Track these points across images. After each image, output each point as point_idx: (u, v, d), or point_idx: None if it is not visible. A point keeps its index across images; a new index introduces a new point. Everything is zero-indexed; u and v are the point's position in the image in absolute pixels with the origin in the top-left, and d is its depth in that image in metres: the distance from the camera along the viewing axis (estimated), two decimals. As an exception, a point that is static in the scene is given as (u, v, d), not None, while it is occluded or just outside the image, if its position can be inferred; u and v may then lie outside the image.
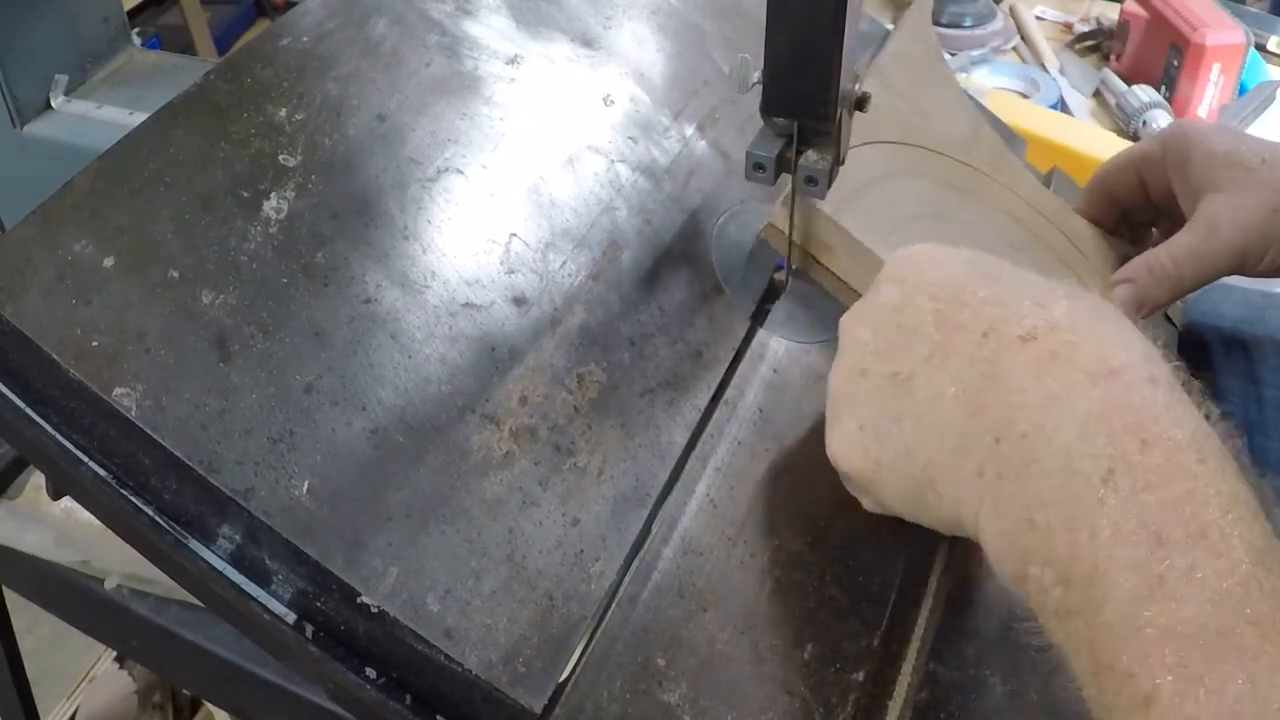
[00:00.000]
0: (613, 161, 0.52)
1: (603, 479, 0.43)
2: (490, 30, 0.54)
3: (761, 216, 0.54)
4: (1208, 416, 0.34)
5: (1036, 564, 0.34)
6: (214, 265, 0.40)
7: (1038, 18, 1.44)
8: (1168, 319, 0.65)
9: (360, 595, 0.36)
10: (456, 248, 0.45)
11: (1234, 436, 0.34)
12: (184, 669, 0.67)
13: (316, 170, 0.44)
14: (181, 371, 0.38)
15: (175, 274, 0.40)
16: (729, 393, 0.48)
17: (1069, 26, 1.42)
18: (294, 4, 0.51)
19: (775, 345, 0.51)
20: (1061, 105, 1.25)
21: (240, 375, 0.39)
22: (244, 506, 0.37)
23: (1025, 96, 1.26)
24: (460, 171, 0.48)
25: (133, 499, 0.39)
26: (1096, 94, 1.29)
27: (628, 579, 0.41)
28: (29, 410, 0.39)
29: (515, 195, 0.48)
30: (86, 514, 0.42)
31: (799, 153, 0.47)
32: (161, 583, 0.62)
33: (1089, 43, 1.39)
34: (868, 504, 0.42)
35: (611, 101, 0.55)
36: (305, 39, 0.48)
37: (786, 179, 0.49)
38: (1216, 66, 1.18)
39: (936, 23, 1.40)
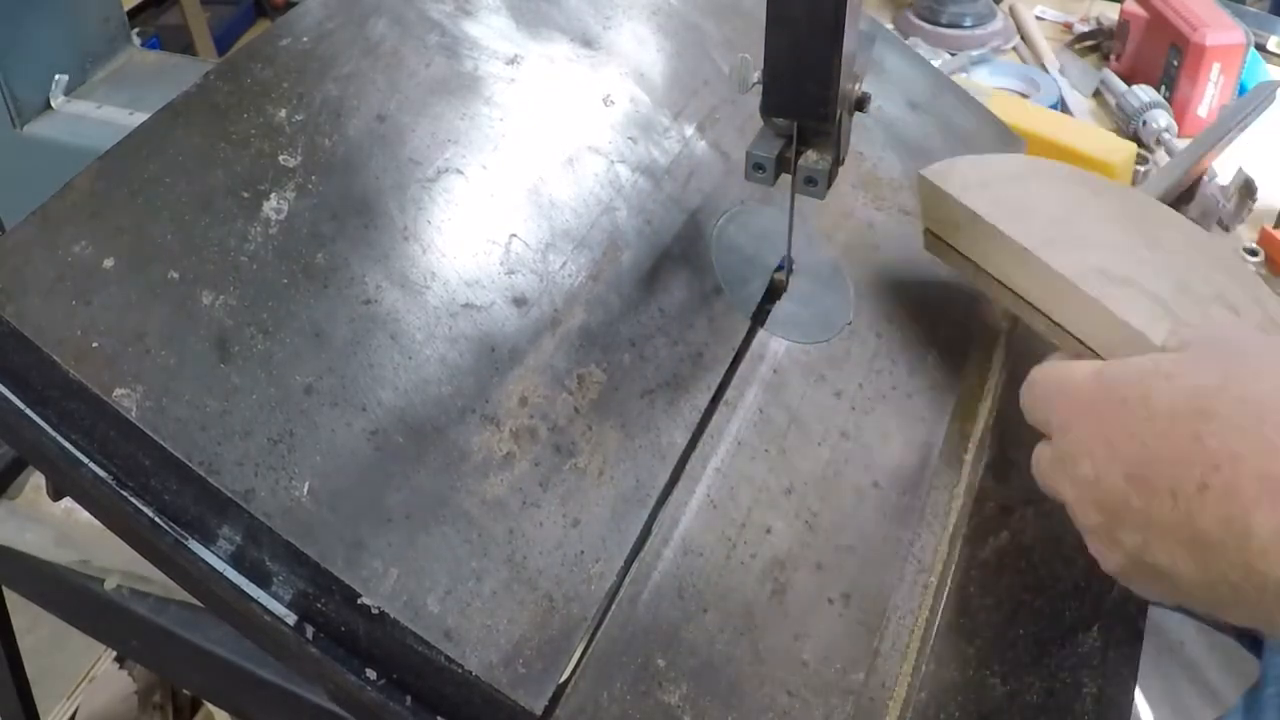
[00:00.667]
0: (613, 162, 0.52)
1: (603, 480, 0.43)
2: (490, 30, 0.54)
3: (762, 216, 0.54)
4: None
5: None
6: (214, 266, 0.40)
7: (1038, 18, 1.44)
8: None
9: (361, 596, 0.36)
10: (456, 248, 0.45)
11: None
12: (184, 669, 0.67)
13: (316, 171, 0.44)
14: (181, 372, 0.38)
15: (175, 275, 0.40)
16: (729, 393, 0.48)
17: (1069, 26, 1.42)
18: (294, 4, 0.51)
19: (775, 345, 0.51)
20: (1061, 105, 1.25)
21: (240, 376, 0.39)
22: (244, 507, 0.37)
23: (1025, 96, 1.26)
24: (460, 172, 0.48)
25: (132, 500, 0.39)
26: (1096, 94, 1.29)
27: (628, 580, 0.41)
28: (29, 411, 0.39)
29: (515, 196, 0.48)
30: (86, 514, 0.42)
31: (799, 153, 0.47)
32: (161, 583, 0.62)
33: (1089, 43, 1.39)
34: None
35: (611, 102, 0.55)
36: (305, 39, 0.48)
37: (786, 179, 0.49)
38: (1216, 66, 1.18)
39: (936, 22, 1.40)
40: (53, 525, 0.66)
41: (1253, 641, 0.65)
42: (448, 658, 0.36)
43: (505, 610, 0.38)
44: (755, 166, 0.47)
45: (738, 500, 0.44)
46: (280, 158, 0.44)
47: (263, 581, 0.39)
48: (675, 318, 0.49)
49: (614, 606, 0.40)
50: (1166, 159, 1.15)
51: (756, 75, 0.46)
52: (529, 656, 0.37)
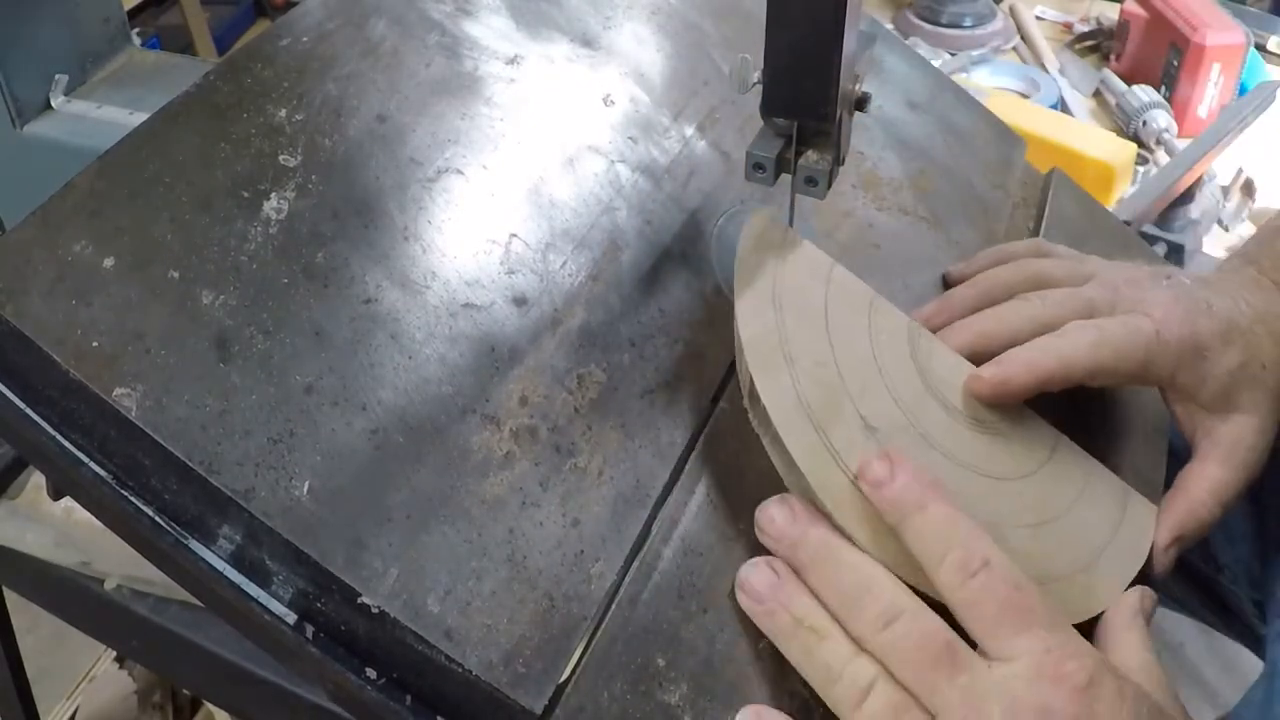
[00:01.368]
0: (613, 162, 0.52)
1: (603, 479, 0.43)
2: (490, 30, 0.54)
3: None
4: None
5: None
6: (214, 266, 0.40)
7: (1038, 18, 1.44)
8: None
9: (361, 596, 0.36)
10: (457, 248, 0.45)
11: None
12: (184, 669, 0.67)
13: (316, 170, 0.44)
14: (182, 372, 0.38)
15: (175, 274, 0.40)
16: (729, 393, 0.48)
17: (1069, 26, 1.42)
18: (294, 4, 0.51)
19: (775, 345, 0.51)
20: (1061, 105, 1.25)
21: (240, 376, 0.39)
22: (244, 507, 0.37)
23: (1025, 96, 1.26)
24: (460, 172, 0.48)
25: (133, 499, 0.39)
26: (1096, 94, 1.29)
27: (628, 579, 0.41)
28: (29, 410, 0.39)
29: (515, 195, 0.48)
30: (86, 514, 0.42)
31: (799, 153, 0.47)
32: (161, 583, 0.62)
33: (1089, 43, 1.39)
34: None
35: (611, 101, 0.55)
36: (305, 39, 0.48)
37: (787, 179, 0.49)
38: (1216, 66, 1.18)
39: (936, 22, 1.40)
40: (53, 525, 0.66)
41: (1253, 640, 0.65)
42: (448, 657, 0.37)
43: (505, 610, 0.38)
44: (755, 166, 0.47)
45: (737, 500, 0.44)
46: (280, 158, 0.44)
47: (263, 581, 0.39)
48: (675, 317, 0.49)
49: (614, 606, 0.40)
50: (1166, 159, 1.15)
51: (756, 75, 0.46)
52: (529, 656, 0.37)
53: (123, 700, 1.03)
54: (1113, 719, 0.37)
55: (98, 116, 0.91)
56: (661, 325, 0.48)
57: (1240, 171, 1.12)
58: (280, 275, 0.41)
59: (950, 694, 0.37)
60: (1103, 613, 0.44)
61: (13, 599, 0.77)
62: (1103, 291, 0.52)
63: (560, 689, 0.38)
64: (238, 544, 0.38)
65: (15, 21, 0.87)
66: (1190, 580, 0.68)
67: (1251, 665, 0.57)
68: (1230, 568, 0.65)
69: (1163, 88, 1.23)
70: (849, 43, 0.44)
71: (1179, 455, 0.52)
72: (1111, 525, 0.47)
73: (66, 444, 0.39)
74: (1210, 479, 0.49)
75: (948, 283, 0.58)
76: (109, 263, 0.39)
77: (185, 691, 1.03)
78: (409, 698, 0.39)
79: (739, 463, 0.45)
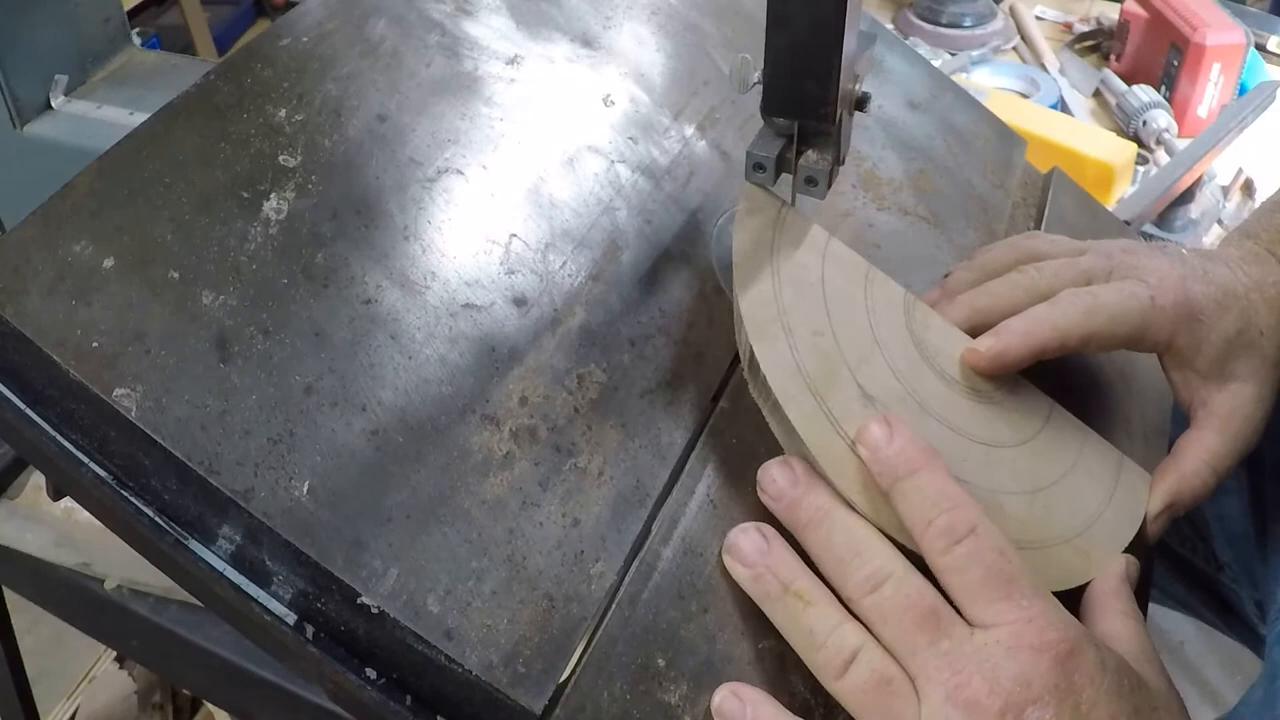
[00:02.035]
0: (613, 162, 0.52)
1: (603, 480, 0.43)
2: (490, 30, 0.54)
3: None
4: None
5: None
6: (214, 266, 0.40)
7: (1038, 18, 1.44)
8: None
9: (360, 596, 0.36)
10: (456, 248, 0.45)
11: None
12: (184, 669, 0.67)
13: (316, 171, 0.44)
14: (182, 372, 0.38)
15: (175, 274, 0.40)
16: (729, 393, 0.48)
17: (1069, 26, 1.42)
18: (294, 4, 0.51)
19: (775, 345, 0.51)
20: (1061, 105, 1.25)
21: (240, 376, 0.39)
22: (244, 507, 0.37)
23: (1025, 96, 1.26)
24: (460, 172, 0.48)
25: (133, 500, 0.39)
26: (1096, 94, 1.29)
27: (628, 579, 0.41)
28: (29, 410, 0.39)
29: (515, 195, 0.48)
30: (86, 514, 0.42)
31: (799, 153, 0.47)
32: (161, 583, 0.62)
33: (1089, 43, 1.39)
34: None
35: (611, 102, 0.55)
36: (305, 39, 0.48)
37: (787, 179, 0.49)
38: (1216, 66, 1.18)
39: (936, 22, 1.40)
40: (53, 525, 0.66)
41: (1254, 640, 0.65)
42: (448, 657, 0.37)
43: (505, 610, 0.38)
44: (755, 166, 0.47)
45: (737, 500, 0.44)
46: (280, 158, 0.44)
47: (263, 581, 0.39)
48: (675, 317, 0.49)
49: (614, 606, 0.40)
50: (1166, 159, 1.15)
51: (756, 75, 0.46)
52: (529, 656, 0.37)
53: (123, 700, 1.03)
54: (1093, 690, 0.37)
55: (98, 116, 0.91)
56: (661, 325, 0.48)
57: (1240, 171, 1.12)
58: (280, 275, 0.41)
59: (931, 658, 0.37)
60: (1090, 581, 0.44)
61: (13, 599, 0.77)
62: (1099, 260, 0.52)
63: (560, 689, 0.38)
64: (237, 544, 0.38)
65: (15, 21, 0.87)
66: (1191, 579, 0.68)
67: (1252, 665, 0.57)
68: (1231, 567, 0.65)
69: (1163, 88, 1.23)
70: (849, 43, 0.44)
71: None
72: (1106, 493, 0.48)
73: (66, 444, 0.39)
74: (1205, 447, 0.49)
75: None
76: (109, 263, 0.39)
77: (185, 691, 1.03)
78: (409, 698, 0.39)
79: (739, 463, 0.45)
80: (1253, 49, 1.22)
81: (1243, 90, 1.21)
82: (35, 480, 0.68)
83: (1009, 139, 0.71)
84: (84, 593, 0.65)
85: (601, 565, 0.40)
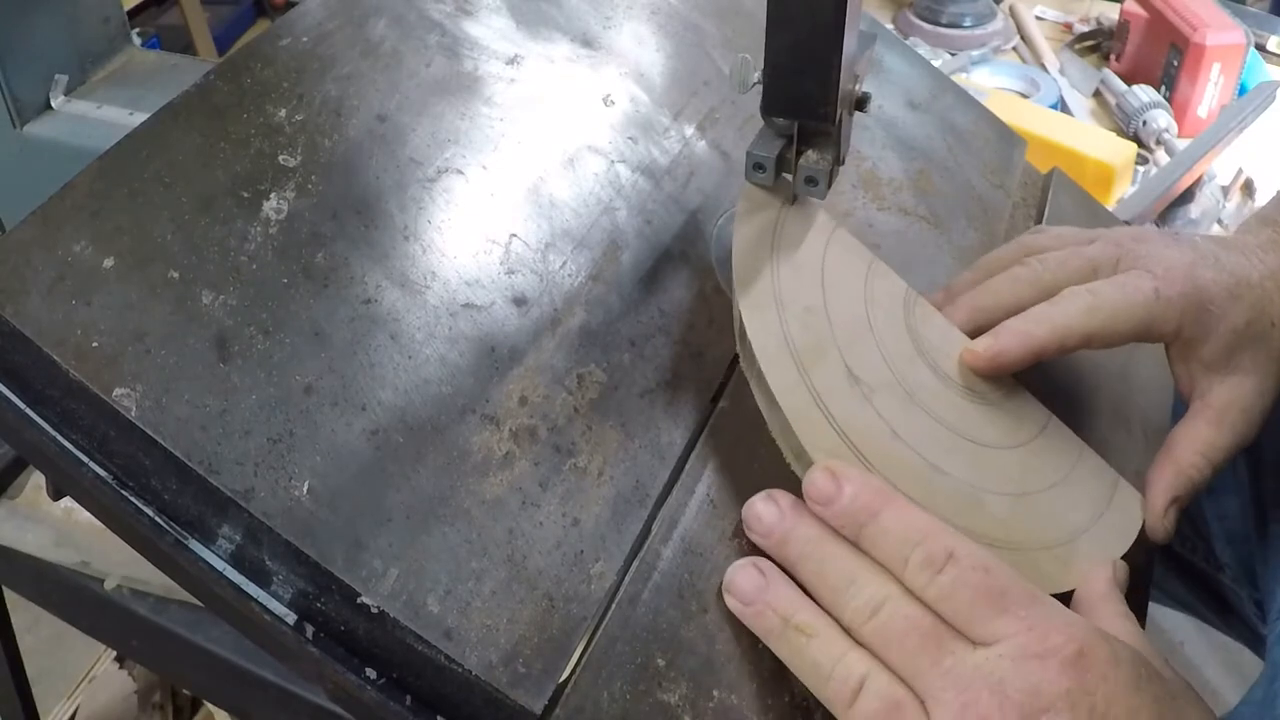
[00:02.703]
0: (613, 162, 0.52)
1: (603, 479, 0.43)
2: (490, 30, 0.54)
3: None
4: None
5: None
6: (214, 266, 0.40)
7: (1038, 18, 1.44)
8: None
9: (360, 596, 0.36)
10: (456, 248, 0.45)
11: None
12: (184, 669, 0.67)
13: (316, 170, 0.44)
14: (182, 372, 0.38)
15: (175, 274, 0.40)
16: (729, 393, 0.48)
17: (1069, 26, 1.42)
18: (294, 4, 0.51)
19: (775, 345, 0.51)
20: (1061, 105, 1.25)
21: (240, 376, 0.39)
22: (244, 507, 0.37)
23: (1025, 96, 1.26)
24: (460, 172, 0.48)
25: (133, 499, 0.39)
26: (1096, 94, 1.29)
27: (628, 579, 0.41)
28: (29, 410, 0.39)
29: (515, 195, 0.48)
30: (86, 514, 0.42)
31: (799, 153, 0.47)
32: (161, 583, 0.62)
33: (1089, 43, 1.39)
34: None
35: (611, 101, 0.55)
36: (305, 39, 0.48)
37: (787, 178, 0.49)
38: (1216, 66, 1.18)
39: (936, 22, 1.40)
40: (53, 525, 0.66)
41: (1254, 639, 0.65)
42: (448, 657, 0.37)
43: (505, 610, 0.38)
44: (755, 166, 0.47)
45: (737, 500, 0.44)
46: (280, 158, 0.44)
47: (262, 581, 0.39)
48: (675, 317, 0.49)
49: (614, 606, 0.40)
50: (1166, 159, 1.15)
51: (756, 75, 0.46)
52: (529, 656, 0.37)
53: (123, 700, 1.03)
54: (1107, 687, 0.36)
55: (98, 116, 0.91)
56: (661, 325, 0.48)
57: (1240, 171, 1.12)
58: (280, 275, 0.41)
59: (935, 679, 0.37)
60: (1072, 592, 0.44)
61: (13, 599, 0.77)
62: (1106, 249, 0.51)
63: (560, 689, 0.38)
64: (237, 544, 0.38)
65: (15, 21, 0.87)
66: (1191, 579, 0.68)
67: (1252, 664, 0.57)
68: (1231, 566, 0.65)
69: (1163, 88, 1.23)
70: (849, 43, 0.44)
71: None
72: (1095, 509, 0.47)
73: (66, 444, 0.39)
74: (1199, 439, 0.49)
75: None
76: (109, 263, 0.39)
77: (185, 691, 1.03)
78: (409, 698, 0.38)
79: (739, 463, 0.45)
80: (1253, 49, 1.22)
81: (1243, 90, 1.21)
82: (35, 480, 0.68)
83: (1009, 139, 0.71)
84: (84, 593, 0.65)
85: (601, 565, 0.40)
